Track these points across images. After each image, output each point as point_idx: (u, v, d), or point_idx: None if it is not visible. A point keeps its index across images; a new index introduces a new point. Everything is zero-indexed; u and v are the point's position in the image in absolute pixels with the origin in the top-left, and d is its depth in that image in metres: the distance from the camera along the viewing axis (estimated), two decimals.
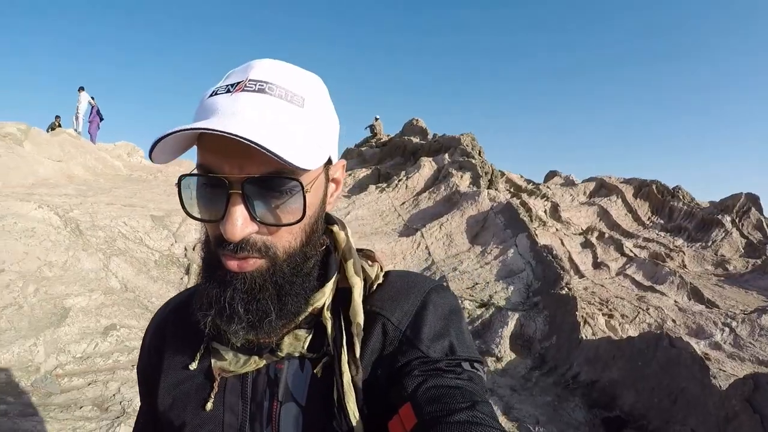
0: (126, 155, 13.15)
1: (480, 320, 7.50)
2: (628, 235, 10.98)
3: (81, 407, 3.98)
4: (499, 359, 6.75)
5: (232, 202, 0.71)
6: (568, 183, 13.82)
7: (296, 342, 0.85)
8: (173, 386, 0.93)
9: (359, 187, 12.64)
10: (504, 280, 8.49)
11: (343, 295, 0.87)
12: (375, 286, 0.92)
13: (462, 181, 11.66)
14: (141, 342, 1.07)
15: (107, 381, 4.37)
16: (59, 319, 5.06)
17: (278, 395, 0.85)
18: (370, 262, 0.95)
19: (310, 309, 0.85)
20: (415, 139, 15.89)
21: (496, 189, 11.65)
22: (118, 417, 3.82)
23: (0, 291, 5.23)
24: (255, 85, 0.75)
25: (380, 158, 16.24)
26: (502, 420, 5.35)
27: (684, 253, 11.09)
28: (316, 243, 0.86)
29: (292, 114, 0.75)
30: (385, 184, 12.10)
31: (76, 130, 15.08)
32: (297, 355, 0.85)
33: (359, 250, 0.97)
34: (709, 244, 11.88)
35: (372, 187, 11.88)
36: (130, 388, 4.29)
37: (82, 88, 16.26)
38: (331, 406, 0.82)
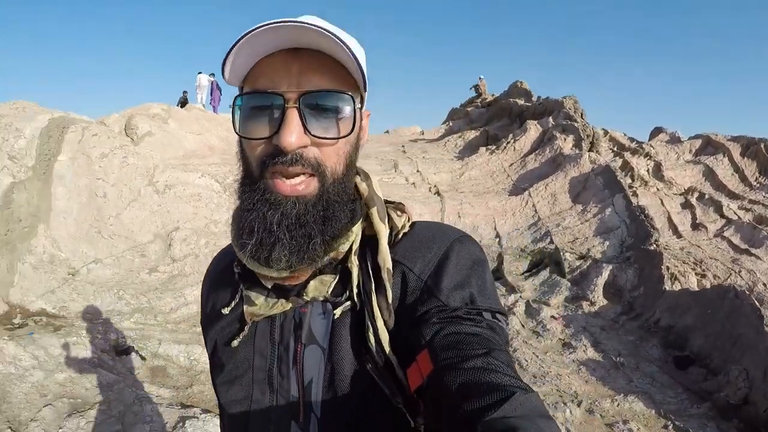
0: None
1: (578, 270, 8.37)
2: (733, 195, 10.81)
3: None
4: (592, 303, 7.65)
5: (289, 114, 0.74)
6: (674, 140, 13.62)
7: (321, 286, 0.86)
8: (215, 332, 0.99)
9: (470, 149, 13.20)
10: (601, 236, 9.26)
11: (368, 242, 0.88)
12: (401, 235, 0.92)
13: (565, 144, 12.18)
14: None
15: None
16: None
17: (302, 338, 0.87)
18: (399, 213, 0.95)
19: (335, 253, 0.85)
20: (520, 101, 16.24)
21: (597, 151, 12.05)
22: None
23: (180, 243, 6.86)
24: (299, 23, 0.73)
25: (487, 119, 16.67)
26: (591, 352, 6.33)
27: None
28: (352, 178, 0.88)
29: (343, 44, 0.74)
30: (494, 146, 12.65)
31: (203, 105, 17.07)
32: (321, 299, 0.87)
33: (389, 202, 0.97)
34: None
35: (482, 149, 12.49)
36: None
37: (200, 72, 18.27)
38: (358, 349, 0.83)
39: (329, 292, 0.86)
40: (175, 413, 3.73)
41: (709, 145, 12.66)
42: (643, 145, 12.65)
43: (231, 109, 0.82)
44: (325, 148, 0.79)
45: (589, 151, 11.88)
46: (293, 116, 0.74)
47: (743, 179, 11.45)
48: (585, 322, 7.17)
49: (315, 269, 0.86)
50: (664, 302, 7.26)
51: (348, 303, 0.85)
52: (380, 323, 0.81)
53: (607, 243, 9.06)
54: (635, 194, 9.84)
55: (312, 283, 0.87)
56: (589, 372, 5.83)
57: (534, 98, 16.34)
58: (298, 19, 0.73)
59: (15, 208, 6.27)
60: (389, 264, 0.85)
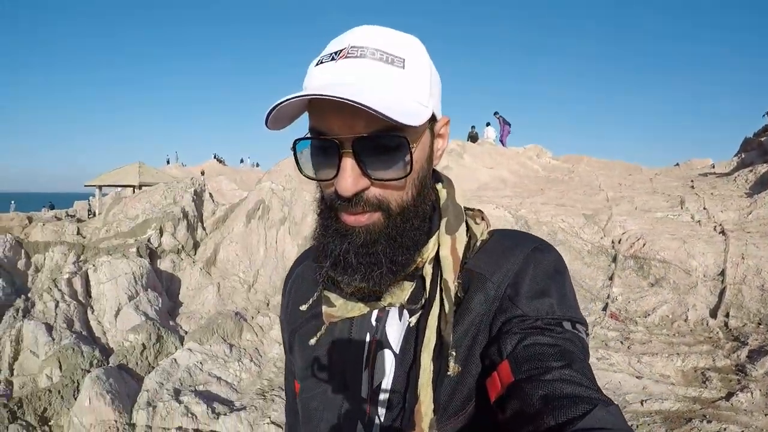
0: (536, 156, 15.07)
1: None
2: None
3: None
4: None
5: (344, 160, 0.76)
6: None
7: (399, 292, 0.88)
8: (293, 331, 1.04)
9: (761, 184, 11.80)
10: None
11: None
12: (479, 243, 0.92)
13: None
14: None
15: None
16: None
17: (377, 341, 0.89)
18: (478, 220, 0.95)
19: (417, 262, 0.87)
20: None
21: None
22: None
23: None
24: (357, 51, 0.78)
25: None
26: None
27: None
28: (426, 198, 0.89)
29: (393, 75, 0.78)
30: None
31: (492, 140, 18.00)
32: (398, 305, 0.89)
33: (469, 209, 0.98)
34: None
35: None
36: None
37: (490, 123, 19.07)
38: (416, 356, 0.84)
39: (405, 299, 0.88)
40: None
41: None
42: None
43: (292, 150, 0.84)
44: (388, 186, 0.80)
45: None
46: (348, 162, 0.76)
47: None
48: None
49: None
50: None
51: (422, 311, 0.86)
52: (428, 332, 0.82)
53: None
54: None
55: (389, 289, 0.88)
56: None
57: None
58: (349, 55, 0.78)
59: None
60: (449, 275, 0.85)
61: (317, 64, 0.81)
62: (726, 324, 6.31)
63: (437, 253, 0.88)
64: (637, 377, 5.12)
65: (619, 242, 7.92)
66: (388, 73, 0.77)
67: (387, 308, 0.90)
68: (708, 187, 10.45)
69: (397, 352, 0.88)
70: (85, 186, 32.04)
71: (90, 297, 6.39)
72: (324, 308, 0.93)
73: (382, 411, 0.87)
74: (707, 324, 6.37)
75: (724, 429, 4.16)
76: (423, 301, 0.86)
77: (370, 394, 0.89)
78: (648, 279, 7.23)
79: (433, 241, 0.88)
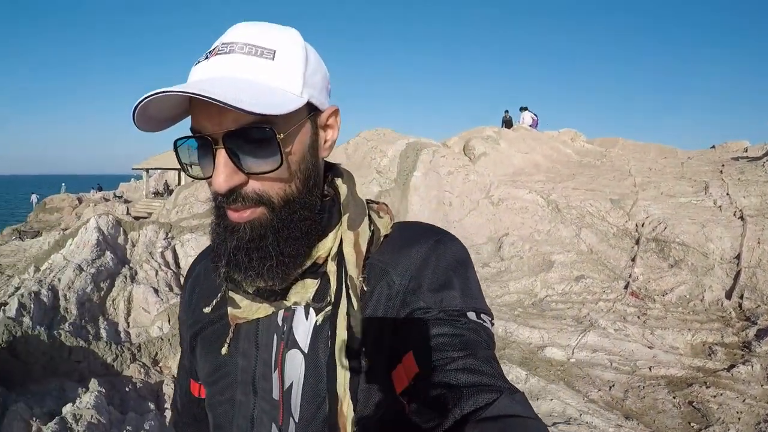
0: (570, 140, 15.45)
1: None
2: None
3: (563, 320, 6.35)
4: None
5: (217, 156, 0.76)
6: None
7: (303, 291, 0.87)
8: (196, 333, 1.01)
9: None
10: None
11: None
12: (382, 238, 0.92)
13: None
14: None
15: (580, 307, 6.65)
16: (547, 267, 7.64)
17: (284, 342, 0.88)
18: (381, 214, 0.95)
19: (315, 257, 0.87)
20: None
21: None
22: (585, 329, 6.00)
23: (508, 246, 8.28)
24: (227, 47, 0.78)
25: None
26: None
27: None
28: (315, 191, 0.87)
29: (260, 66, 0.77)
30: None
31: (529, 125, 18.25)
32: (303, 303, 0.88)
33: (372, 202, 0.97)
34: None
35: None
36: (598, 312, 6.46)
37: (524, 108, 18.87)
38: (329, 355, 0.83)
39: (311, 297, 0.87)
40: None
41: None
42: None
43: (174, 150, 0.83)
44: (266, 179, 0.79)
45: None
46: (221, 158, 0.76)
47: None
48: None
49: (295, 275, 0.86)
50: None
51: (329, 308, 0.85)
52: (339, 331, 0.81)
53: None
54: None
55: (293, 288, 0.87)
56: None
57: None
58: (220, 52, 0.78)
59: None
60: (353, 271, 0.85)
61: (194, 65, 0.81)
62: (740, 305, 6.81)
63: (339, 249, 0.88)
64: (648, 347, 5.70)
65: (642, 226, 8.42)
66: (254, 65, 0.77)
67: (293, 307, 0.89)
68: (736, 172, 10.76)
69: (306, 352, 0.86)
70: (133, 169, 33.50)
71: (179, 267, 7.31)
72: (229, 310, 0.92)
73: (296, 413, 0.86)
74: (722, 304, 6.89)
75: (721, 394, 4.73)
76: (329, 298, 0.86)
77: (282, 396, 0.88)
78: (668, 261, 7.74)
79: (332, 236, 0.88)
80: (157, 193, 33.51)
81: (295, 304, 0.88)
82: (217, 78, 0.76)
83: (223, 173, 0.75)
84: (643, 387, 4.95)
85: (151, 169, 32.52)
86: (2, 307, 5.21)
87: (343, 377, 0.80)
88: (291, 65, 0.80)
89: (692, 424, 4.39)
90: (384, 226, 0.93)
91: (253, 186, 0.79)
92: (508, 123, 17.71)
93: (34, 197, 38.15)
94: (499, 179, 10.07)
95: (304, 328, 0.87)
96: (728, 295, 7.02)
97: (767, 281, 7.01)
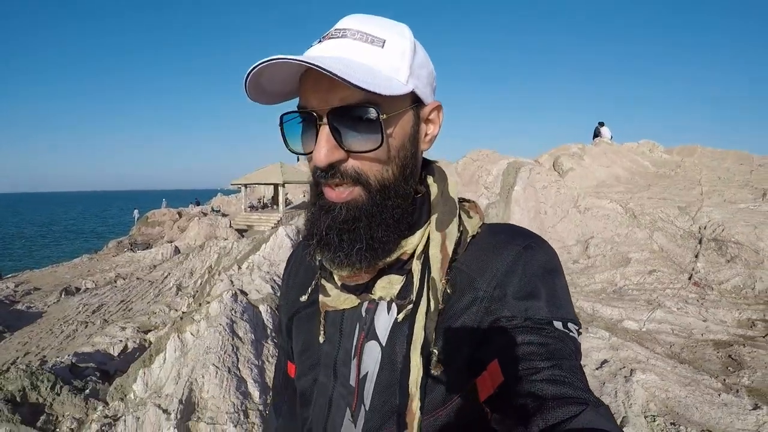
0: (648, 151, 16.51)
1: None
2: None
3: (637, 302, 8.24)
4: None
5: (320, 131, 0.79)
6: None
7: (389, 286, 0.90)
8: (292, 316, 1.08)
9: None
10: None
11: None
12: (469, 239, 0.91)
13: None
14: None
15: (651, 293, 8.57)
16: (625, 263, 9.58)
17: (365, 332, 0.91)
18: (471, 213, 0.95)
19: (400, 252, 0.88)
20: None
21: None
22: (654, 308, 7.91)
23: (593, 247, 10.17)
24: (339, 33, 0.82)
25: None
26: None
27: None
28: (410, 181, 0.88)
29: (370, 52, 0.80)
30: None
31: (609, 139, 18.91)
32: (388, 299, 0.90)
33: (464, 201, 0.98)
34: None
35: None
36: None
37: (602, 124, 19.68)
38: (406, 351, 0.84)
39: (395, 293, 0.89)
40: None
41: None
42: None
43: (279, 126, 0.86)
44: (365, 159, 0.81)
45: None
46: (323, 133, 0.78)
47: None
48: None
49: (379, 268, 0.89)
50: None
51: (411, 306, 0.86)
52: (417, 330, 0.82)
53: None
54: None
55: (379, 282, 0.90)
56: None
57: None
58: (334, 36, 0.82)
59: (490, 219, 10.46)
60: (436, 273, 0.84)
61: (308, 49, 0.83)
62: None
63: (425, 248, 0.88)
64: (702, 320, 7.30)
65: (704, 228, 9.95)
66: (365, 50, 0.80)
67: (377, 301, 0.91)
68: None
69: (384, 345, 0.88)
70: (232, 185, 35.56)
71: None
72: (320, 297, 0.96)
73: (367, 401, 0.88)
74: None
75: (754, 351, 6.18)
76: (412, 296, 0.86)
77: (358, 384, 0.90)
78: (725, 257, 9.24)
79: (420, 233, 0.88)
80: (252, 207, 36.02)
81: (380, 298, 0.91)
82: (328, 57, 0.77)
83: (325, 147, 0.78)
84: (695, 346, 6.45)
85: (250, 184, 34.85)
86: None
87: (416, 375, 0.80)
88: (399, 54, 0.82)
89: (729, 368, 5.87)
90: (473, 227, 0.92)
91: (353, 163, 0.81)
92: (596, 134, 18.84)
93: (135, 212, 39.79)
94: (585, 191, 11.81)
95: (384, 322, 0.90)
96: None
97: None
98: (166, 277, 13.42)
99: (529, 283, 0.84)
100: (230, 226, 27.58)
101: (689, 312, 7.75)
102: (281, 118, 0.86)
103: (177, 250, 19.02)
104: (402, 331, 0.87)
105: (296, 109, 0.84)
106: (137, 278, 14.07)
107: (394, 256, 0.89)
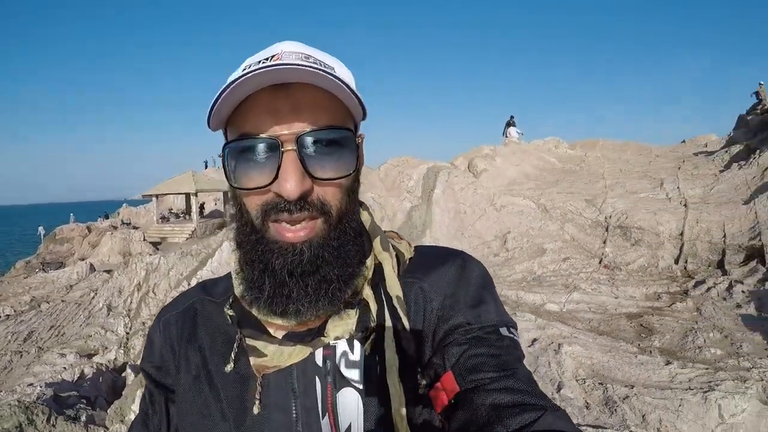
0: (554, 147, 17.58)
1: None
2: None
3: (555, 287, 8.86)
4: None
5: (286, 159, 0.69)
6: None
7: (343, 323, 0.80)
8: (197, 393, 0.85)
9: (731, 162, 12.90)
10: None
11: (378, 271, 0.85)
12: (408, 260, 0.90)
13: None
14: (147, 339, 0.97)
15: (567, 278, 9.21)
16: (541, 253, 10.28)
17: (332, 383, 0.78)
18: (398, 240, 0.93)
19: (359, 285, 0.82)
20: None
21: None
22: (571, 291, 8.52)
23: (511, 241, 10.86)
24: (292, 55, 0.73)
25: (756, 130, 14.15)
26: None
27: None
28: (357, 209, 0.85)
29: (335, 74, 0.71)
30: (744, 162, 11.92)
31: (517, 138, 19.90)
32: (346, 337, 0.79)
33: (385, 231, 0.94)
34: None
35: (734, 165, 11.99)
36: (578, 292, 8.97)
37: (512, 117, 20.88)
38: (382, 384, 0.77)
39: (353, 328, 0.79)
40: None
41: None
42: None
43: (221, 160, 0.75)
44: (331, 186, 0.75)
45: None
46: (291, 161, 0.70)
47: None
48: None
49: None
50: None
51: (373, 335, 0.79)
52: (389, 354, 0.77)
53: None
54: None
55: (331, 322, 0.79)
56: None
57: None
58: (283, 60, 0.71)
59: (413, 221, 10.89)
60: (398, 292, 0.82)
61: (243, 75, 0.68)
62: (685, 268, 9.23)
63: (374, 273, 0.84)
64: (614, 298, 8.07)
65: (610, 217, 10.87)
66: (332, 77, 0.69)
67: (332, 344, 0.79)
68: (691, 167, 12.95)
69: (362, 388, 0.77)
70: (143, 196, 34.27)
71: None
72: (252, 360, 0.80)
73: None
74: (671, 269, 9.31)
75: (661, 319, 6.95)
76: (372, 324, 0.80)
77: None
78: (630, 241, 10.18)
79: (369, 261, 0.84)
80: (164, 218, 34.79)
81: (337, 338, 0.79)
82: (298, 66, 0.68)
83: (293, 177, 0.69)
84: (611, 320, 7.17)
85: (162, 194, 33.46)
86: None
87: (398, 403, 0.75)
88: (349, 80, 0.78)
89: (641, 335, 6.56)
90: (406, 250, 0.91)
91: (318, 192, 0.74)
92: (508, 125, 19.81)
93: (41, 229, 37.42)
94: (499, 190, 12.58)
95: (353, 362, 0.79)
96: (676, 261, 9.46)
97: (704, 249, 9.41)
98: (93, 297, 12.84)
99: (476, 292, 0.85)
100: (144, 240, 26.67)
101: (602, 291, 8.49)
102: (224, 148, 0.76)
103: (92, 268, 18.18)
104: (375, 364, 0.79)
105: (249, 137, 0.73)
106: (62, 301, 13.33)
107: (353, 288, 0.82)
